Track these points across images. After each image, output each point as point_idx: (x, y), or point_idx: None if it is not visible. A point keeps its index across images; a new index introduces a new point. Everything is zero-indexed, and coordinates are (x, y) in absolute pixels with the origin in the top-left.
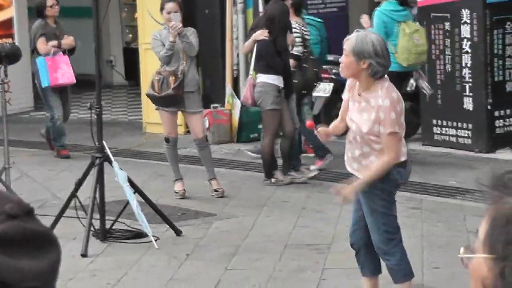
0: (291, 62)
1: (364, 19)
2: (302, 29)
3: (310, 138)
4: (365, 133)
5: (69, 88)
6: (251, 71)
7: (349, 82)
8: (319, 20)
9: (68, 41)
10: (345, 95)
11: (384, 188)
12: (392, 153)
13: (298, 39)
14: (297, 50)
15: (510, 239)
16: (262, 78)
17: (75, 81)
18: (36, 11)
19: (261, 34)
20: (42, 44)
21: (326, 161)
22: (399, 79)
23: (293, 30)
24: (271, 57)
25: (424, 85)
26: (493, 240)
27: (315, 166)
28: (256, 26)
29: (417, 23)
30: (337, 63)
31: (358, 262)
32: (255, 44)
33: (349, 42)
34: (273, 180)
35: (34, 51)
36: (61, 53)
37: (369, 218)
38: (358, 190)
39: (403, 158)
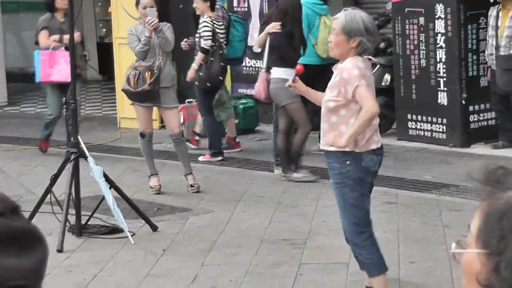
0: (199, 55)
1: None
2: (214, 23)
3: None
4: (330, 98)
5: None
6: (264, 65)
7: None
8: (243, 19)
9: (67, 37)
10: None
11: (356, 175)
12: (369, 102)
13: (208, 33)
14: (205, 44)
15: (504, 234)
16: (276, 73)
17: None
18: (46, 5)
19: (274, 26)
20: (42, 38)
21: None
22: (319, 71)
23: (205, 24)
24: (284, 49)
25: None
26: (487, 235)
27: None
28: (268, 19)
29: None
30: None
31: (355, 256)
32: (268, 37)
33: (338, 21)
34: (288, 174)
35: (35, 44)
36: (62, 48)
37: (341, 209)
38: (340, 146)
39: (374, 146)
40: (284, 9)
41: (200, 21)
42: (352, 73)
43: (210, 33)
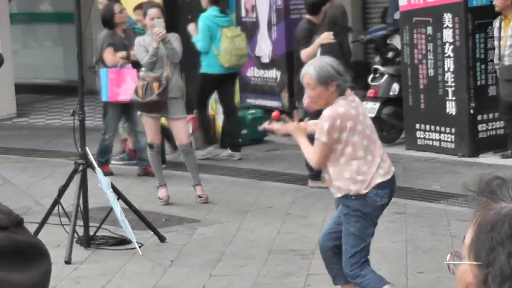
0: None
1: (191, 27)
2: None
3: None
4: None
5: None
6: None
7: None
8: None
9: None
10: None
11: (363, 211)
12: (312, 157)
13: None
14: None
15: (494, 245)
16: None
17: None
18: (103, 21)
19: (327, 37)
20: (109, 55)
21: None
22: (222, 80)
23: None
24: (339, 60)
25: None
26: (478, 246)
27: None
28: (309, 32)
29: (239, 27)
30: None
31: (329, 271)
32: (319, 49)
33: (309, 75)
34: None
35: (98, 62)
36: (129, 65)
37: (343, 236)
38: (293, 134)
39: (379, 180)
40: (333, 18)
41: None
42: (322, 125)
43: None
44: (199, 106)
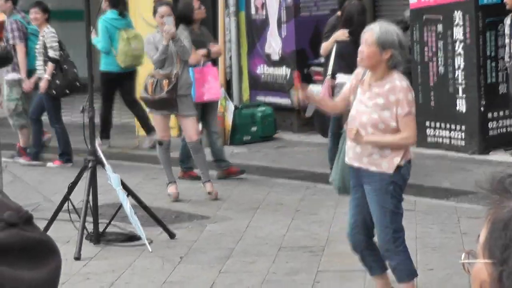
0: (50, 65)
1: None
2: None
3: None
4: (381, 119)
5: (216, 104)
6: (330, 72)
7: (358, 70)
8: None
9: (217, 49)
10: (352, 82)
11: (396, 182)
12: (412, 132)
13: (56, 43)
14: (55, 54)
15: (508, 243)
16: (342, 78)
17: (220, 96)
18: (181, 17)
19: (342, 34)
20: (192, 54)
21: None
22: (117, 78)
23: (52, 34)
24: (351, 57)
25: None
26: (492, 244)
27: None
28: (333, 27)
29: (134, 29)
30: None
31: (365, 264)
32: (335, 45)
33: (372, 32)
34: None
35: None
36: (209, 63)
37: (377, 216)
38: (365, 143)
39: (410, 156)
40: (350, 16)
41: (45, 32)
42: (407, 96)
43: (57, 43)
44: (103, 101)
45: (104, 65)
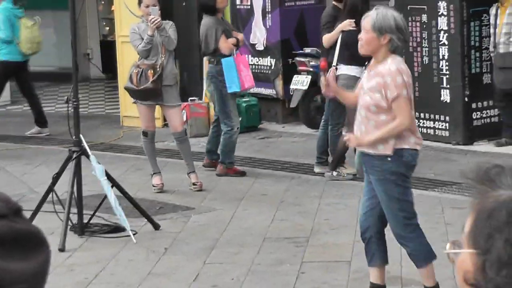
0: None
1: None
2: None
3: None
4: (372, 102)
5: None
6: (335, 62)
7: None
8: None
9: (241, 37)
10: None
11: (399, 171)
12: (403, 116)
13: None
14: None
15: (492, 232)
16: (344, 70)
17: (254, 85)
18: (204, 7)
19: (349, 24)
20: (225, 43)
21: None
22: (21, 67)
23: None
24: (356, 47)
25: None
26: (476, 234)
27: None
28: (333, 18)
29: (36, 17)
30: (314, 56)
31: (368, 251)
32: (340, 35)
33: (369, 18)
34: (334, 173)
35: (215, 53)
36: (238, 52)
37: (386, 204)
38: (363, 145)
39: (418, 147)
40: (354, 6)
41: None
42: (396, 80)
43: None
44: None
45: (5, 54)
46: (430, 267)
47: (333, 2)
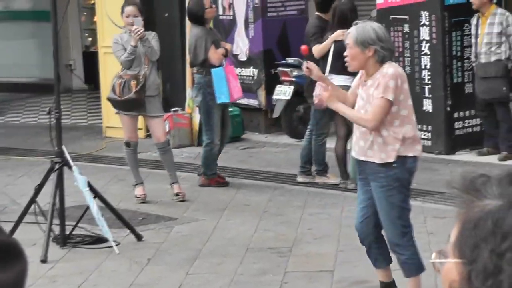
0: None
1: None
2: None
3: None
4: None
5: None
6: (327, 73)
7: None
8: None
9: (230, 47)
10: (354, 82)
11: (404, 178)
12: (374, 118)
13: None
14: None
15: (477, 242)
16: (339, 80)
17: (243, 95)
18: (192, 16)
19: (342, 34)
20: (215, 53)
21: None
22: None
23: None
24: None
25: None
26: (462, 244)
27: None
28: (319, 29)
29: None
30: (296, 66)
31: (370, 256)
32: (332, 45)
33: (350, 34)
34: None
35: (204, 63)
36: (227, 62)
37: (385, 211)
38: (336, 108)
39: (418, 153)
40: (344, 15)
41: None
42: (388, 82)
43: None
44: None
45: None
46: (418, 278)
47: (317, 13)
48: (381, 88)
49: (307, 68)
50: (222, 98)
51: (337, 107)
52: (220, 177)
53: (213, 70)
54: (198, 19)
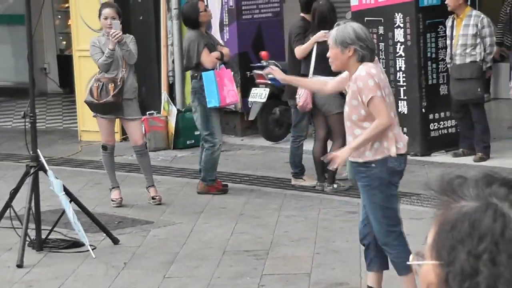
0: None
1: None
2: None
3: None
4: (352, 111)
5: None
6: (311, 74)
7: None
8: None
9: (226, 51)
10: (343, 75)
11: (383, 177)
12: (381, 115)
13: None
14: None
15: (454, 244)
16: None
17: (238, 100)
18: (187, 20)
19: (323, 36)
20: (208, 57)
21: None
22: None
23: None
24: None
25: None
26: (439, 246)
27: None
28: (302, 30)
29: None
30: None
31: (366, 257)
32: (315, 46)
33: (331, 35)
34: (335, 185)
35: (198, 66)
36: (223, 66)
37: (370, 210)
38: (347, 155)
39: (403, 151)
40: (323, 16)
41: None
42: (367, 84)
43: None
44: None
45: None
46: (411, 275)
47: (301, 14)
48: (365, 91)
49: (269, 72)
50: (212, 102)
51: (357, 145)
52: (219, 184)
53: (203, 73)
54: (193, 22)
